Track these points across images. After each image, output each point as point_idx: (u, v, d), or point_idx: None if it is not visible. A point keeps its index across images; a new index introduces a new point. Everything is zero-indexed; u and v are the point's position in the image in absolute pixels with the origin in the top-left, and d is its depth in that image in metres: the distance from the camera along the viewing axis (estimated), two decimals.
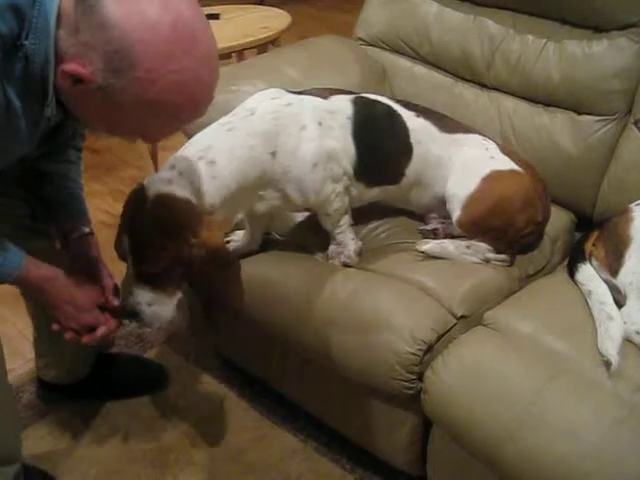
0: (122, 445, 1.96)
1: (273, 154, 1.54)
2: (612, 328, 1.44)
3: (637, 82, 1.85)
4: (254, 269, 1.77)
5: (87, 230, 1.65)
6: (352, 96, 1.73)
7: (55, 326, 1.56)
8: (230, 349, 2.12)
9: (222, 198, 1.48)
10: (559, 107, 1.95)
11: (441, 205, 1.82)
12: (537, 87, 1.98)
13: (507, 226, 1.73)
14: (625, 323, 1.46)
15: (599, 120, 1.89)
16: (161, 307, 1.45)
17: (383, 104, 1.78)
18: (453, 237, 1.78)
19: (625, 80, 1.85)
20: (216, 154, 1.47)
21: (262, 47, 2.57)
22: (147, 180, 1.44)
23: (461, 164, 1.77)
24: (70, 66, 1.11)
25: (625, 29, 1.86)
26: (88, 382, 2.06)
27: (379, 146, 1.72)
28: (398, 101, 1.82)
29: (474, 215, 1.72)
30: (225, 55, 2.49)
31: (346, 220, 1.74)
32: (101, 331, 1.58)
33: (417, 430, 1.67)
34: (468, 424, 1.43)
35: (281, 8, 2.94)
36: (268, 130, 1.54)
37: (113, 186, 3.29)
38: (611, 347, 1.41)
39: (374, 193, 1.78)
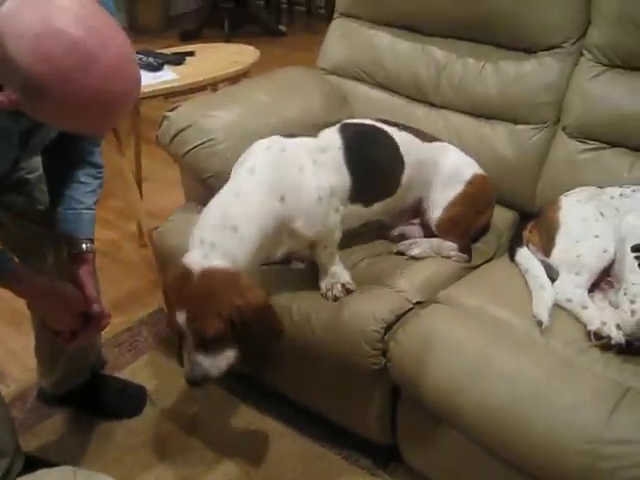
0: (122, 437, 2.16)
1: (282, 198, 1.66)
2: (544, 295, 1.71)
3: (563, 94, 2.14)
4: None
5: (84, 248, 1.79)
6: (338, 125, 1.89)
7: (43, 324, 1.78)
8: None
9: (252, 256, 1.62)
10: (498, 119, 2.23)
11: (418, 205, 2.06)
12: (478, 103, 2.26)
13: (472, 224, 2.02)
14: (557, 293, 1.72)
15: (533, 128, 2.17)
16: (222, 363, 1.60)
17: (368, 125, 1.97)
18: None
19: (553, 93, 2.14)
20: (235, 220, 1.60)
21: (234, 79, 2.82)
22: (186, 259, 1.58)
23: (448, 167, 2.01)
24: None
25: (550, 50, 2.14)
26: (77, 396, 2.25)
27: (374, 165, 1.88)
28: (378, 119, 2.03)
29: (454, 214, 1.98)
30: (201, 87, 2.75)
31: (336, 252, 1.88)
32: (81, 336, 1.77)
33: (386, 402, 1.89)
34: (427, 383, 1.66)
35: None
36: (271, 180, 1.67)
37: (100, 215, 3.51)
38: (543, 310, 1.67)
39: (375, 209, 1.94)
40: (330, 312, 1.82)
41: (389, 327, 1.77)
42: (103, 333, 2.31)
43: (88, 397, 2.25)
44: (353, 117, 2.44)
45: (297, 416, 2.16)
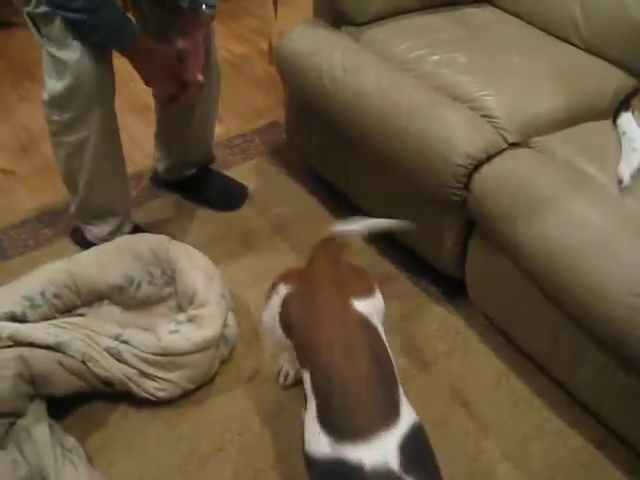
0: (218, 226, 2.38)
1: None
2: (632, 157, 1.71)
3: None
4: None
5: (204, 8, 1.94)
6: None
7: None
8: (317, 161, 2.50)
9: None
10: None
11: None
12: None
13: None
14: None
15: None
16: None
17: None
18: None
19: None
20: None
21: None
22: None
23: None
24: None
25: None
26: (185, 184, 2.49)
27: None
28: None
29: None
30: None
31: None
32: (182, 98, 2.03)
33: (459, 235, 1.98)
34: (501, 218, 1.74)
35: None
36: None
37: (236, 30, 3.65)
38: (626, 170, 1.68)
39: None
40: (427, 123, 1.88)
41: (478, 165, 1.82)
42: (217, 134, 2.51)
43: (195, 186, 2.47)
44: None
45: (379, 237, 2.27)
